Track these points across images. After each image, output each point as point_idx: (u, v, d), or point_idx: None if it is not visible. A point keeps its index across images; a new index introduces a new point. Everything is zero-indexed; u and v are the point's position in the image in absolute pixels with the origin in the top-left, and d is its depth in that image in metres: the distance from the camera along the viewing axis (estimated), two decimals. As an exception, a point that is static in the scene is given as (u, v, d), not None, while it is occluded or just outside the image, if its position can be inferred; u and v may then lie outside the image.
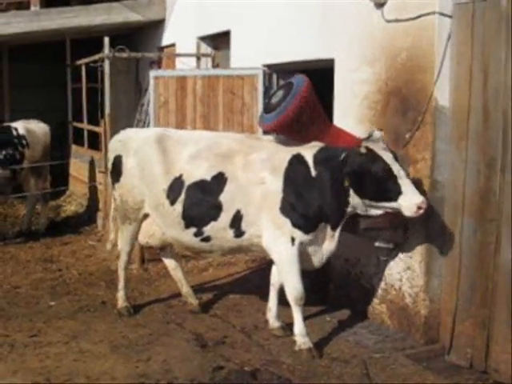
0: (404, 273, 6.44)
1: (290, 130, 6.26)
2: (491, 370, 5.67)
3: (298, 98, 6.12)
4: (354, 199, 5.87)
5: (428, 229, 6.15)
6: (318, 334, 6.44)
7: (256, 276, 8.42)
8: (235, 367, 5.69)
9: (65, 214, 12.26)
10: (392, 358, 5.93)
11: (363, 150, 5.70)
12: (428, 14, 5.99)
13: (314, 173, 6.02)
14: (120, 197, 6.84)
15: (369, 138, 5.78)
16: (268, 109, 6.41)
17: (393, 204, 5.72)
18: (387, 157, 5.71)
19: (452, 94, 5.98)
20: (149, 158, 6.55)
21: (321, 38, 7.58)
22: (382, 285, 6.72)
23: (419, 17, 6.08)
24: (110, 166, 6.96)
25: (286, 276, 6.09)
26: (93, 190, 11.75)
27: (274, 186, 6.05)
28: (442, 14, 5.93)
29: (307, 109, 6.18)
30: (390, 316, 6.64)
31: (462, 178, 5.84)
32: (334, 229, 6.08)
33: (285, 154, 6.16)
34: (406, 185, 5.65)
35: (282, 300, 6.40)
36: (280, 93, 6.38)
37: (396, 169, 5.68)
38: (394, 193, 5.66)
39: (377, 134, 5.81)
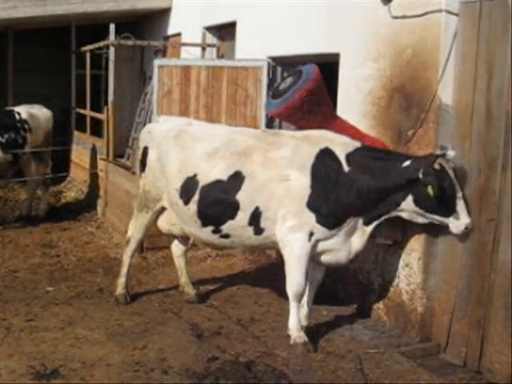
0: (402, 270, 6.45)
1: (295, 117, 6.26)
2: (485, 370, 5.67)
3: (307, 85, 6.14)
4: (407, 205, 5.84)
5: (427, 227, 6.15)
6: (313, 328, 6.44)
7: (254, 268, 8.44)
8: (230, 358, 5.71)
9: (65, 199, 12.27)
10: (387, 354, 5.94)
11: (437, 167, 5.64)
12: (434, 11, 5.99)
13: (346, 168, 5.89)
14: (143, 186, 6.85)
15: (443, 155, 5.66)
16: (276, 95, 6.42)
17: (443, 219, 5.80)
18: (453, 176, 5.73)
19: (456, 92, 5.97)
20: (166, 154, 6.54)
21: (327, 33, 7.57)
22: (380, 281, 6.73)
23: (425, 14, 6.08)
24: (139, 155, 7.00)
25: (293, 270, 5.99)
26: (94, 177, 11.77)
27: (301, 181, 5.91)
28: (448, 12, 5.92)
29: (315, 96, 6.20)
30: (387, 312, 6.65)
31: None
32: (366, 224, 6.00)
33: (310, 148, 6.01)
34: (460, 205, 5.74)
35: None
36: (289, 80, 6.40)
37: (457, 189, 5.72)
38: (450, 211, 5.74)
39: (451, 153, 5.66)
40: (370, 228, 6.02)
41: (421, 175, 5.66)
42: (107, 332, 6.20)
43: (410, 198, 5.82)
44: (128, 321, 6.50)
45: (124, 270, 7.09)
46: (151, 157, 6.73)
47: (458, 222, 5.74)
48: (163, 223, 6.92)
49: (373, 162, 5.92)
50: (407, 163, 5.81)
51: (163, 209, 6.78)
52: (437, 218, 5.82)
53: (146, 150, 6.84)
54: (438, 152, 5.70)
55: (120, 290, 7.05)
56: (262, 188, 6.02)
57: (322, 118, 6.27)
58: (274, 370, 5.53)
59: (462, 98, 5.90)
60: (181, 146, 6.46)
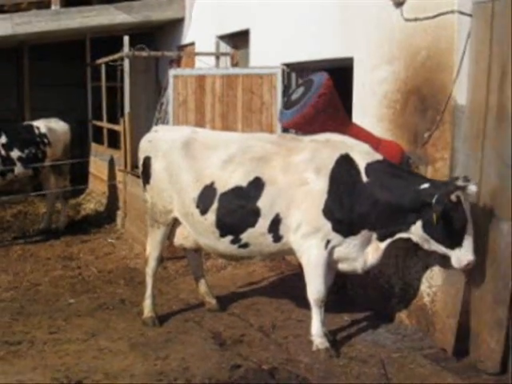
0: (422, 272, 6.42)
1: (309, 127, 6.26)
2: (510, 372, 5.62)
3: (319, 95, 6.14)
4: (416, 229, 5.77)
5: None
6: (335, 333, 6.43)
7: (274, 275, 8.42)
8: (253, 366, 5.70)
9: (84, 212, 12.33)
10: (410, 357, 5.91)
11: (454, 199, 5.52)
12: (447, 12, 5.97)
13: (365, 179, 5.84)
14: (150, 199, 6.66)
15: (464, 188, 5.47)
16: (288, 105, 6.41)
17: (447, 250, 5.71)
18: (467, 210, 5.61)
19: (470, 93, 5.90)
20: (176, 163, 6.37)
21: (340, 37, 7.58)
22: (401, 284, 6.70)
23: (438, 16, 6.06)
24: (140, 166, 6.81)
25: (312, 278, 5.97)
26: (112, 189, 11.82)
27: (319, 186, 5.85)
28: (461, 13, 5.90)
29: (327, 105, 6.20)
30: (408, 315, 6.62)
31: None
32: (380, 240, 5.96)
33: (330, 152, 5.95)
34: (467, 240, 5.61)
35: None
36: (300, 89, 6.39)
37: (469, 225, 5.60)
38: (456, 243, 5.62)
39: (472, 188, 5.49)
40: (384, 244, 5.97)
41: (433, 201, 5.52)
42: (130, 343, 6.23)
43: (419, 223, 5.74)
44: (150, 331, 6.52)
45: (148, 291, 6.81)
46: (156, 167, 6.52)
47: (462, 257, 5.61)
48: (175, 237, 6.72)
49: (392, 178, 5.85)
50: (425, 186, 5.70)
51: (176, 221, 6.57)
52: (441, 248, 5.74)
53: (147, 160, 6.62)
54: (460, 183, 5.51)
55: (147, 312, 6.76)
56: (283, 194, 5.95)
57: (335, 125, 6.26)
58: (297, 377, 5.52)
59: (476, 99, 5.86)
60: (192, 155, 6.32)
